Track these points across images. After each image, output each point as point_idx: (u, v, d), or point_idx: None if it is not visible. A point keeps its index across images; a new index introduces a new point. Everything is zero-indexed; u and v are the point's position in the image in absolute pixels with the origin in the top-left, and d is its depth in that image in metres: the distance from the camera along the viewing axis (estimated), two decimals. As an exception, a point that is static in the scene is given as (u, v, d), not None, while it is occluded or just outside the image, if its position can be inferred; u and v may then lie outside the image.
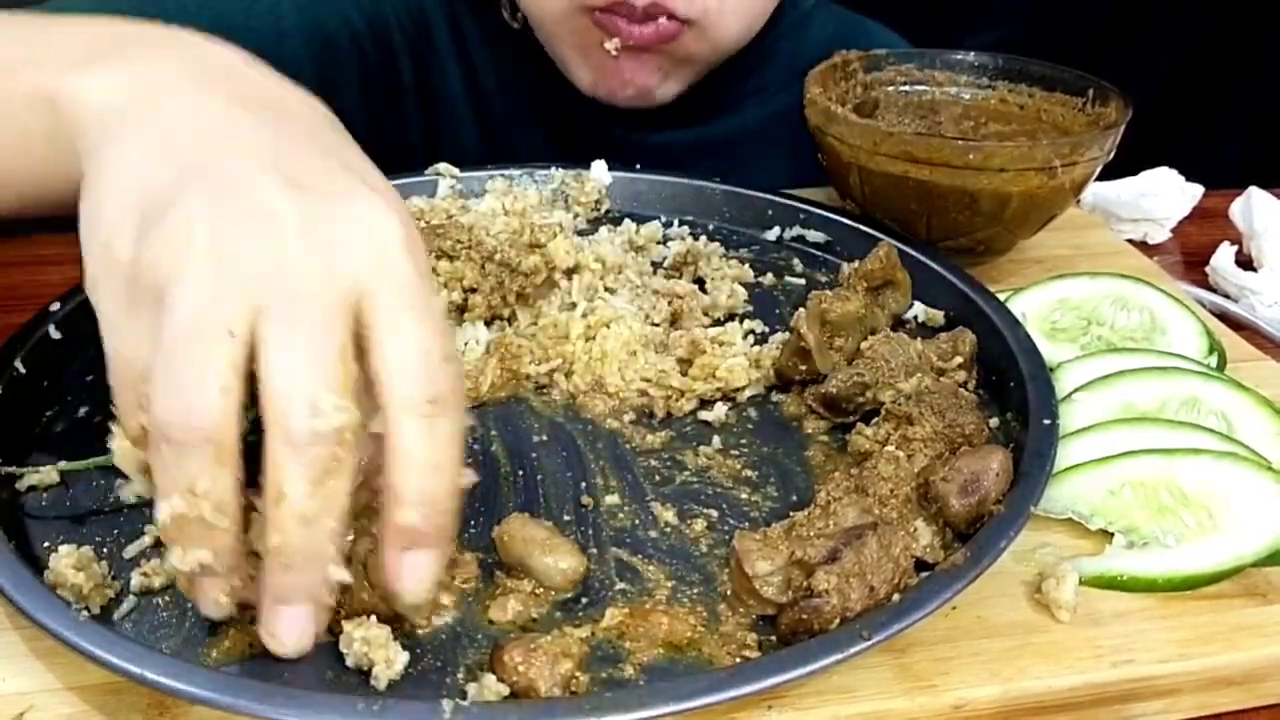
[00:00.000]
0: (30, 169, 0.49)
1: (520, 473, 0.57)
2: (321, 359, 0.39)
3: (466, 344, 0.64)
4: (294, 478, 0.39)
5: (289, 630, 0.42)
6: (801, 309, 0.63)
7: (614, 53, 0.80)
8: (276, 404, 0.38)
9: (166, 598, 0.48)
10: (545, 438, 0.60)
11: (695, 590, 0.49)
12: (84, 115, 0.45)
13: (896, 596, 0.46)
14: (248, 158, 0.42)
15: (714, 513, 0.54)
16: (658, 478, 0.57)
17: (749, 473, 0.57)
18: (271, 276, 0.39)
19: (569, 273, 0.68)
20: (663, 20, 0.78)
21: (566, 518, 0.54)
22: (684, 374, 0.63)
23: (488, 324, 0.65)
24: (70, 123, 0.46)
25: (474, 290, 0.66)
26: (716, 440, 0.60)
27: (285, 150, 0.43)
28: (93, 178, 0.43)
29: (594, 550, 0.51)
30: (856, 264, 0.69)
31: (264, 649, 0.45)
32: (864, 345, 0.62)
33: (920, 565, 0.49)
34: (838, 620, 0.44)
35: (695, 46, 0.82)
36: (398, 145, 0.93)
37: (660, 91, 0.85)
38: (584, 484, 0.56)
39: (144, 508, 0.53)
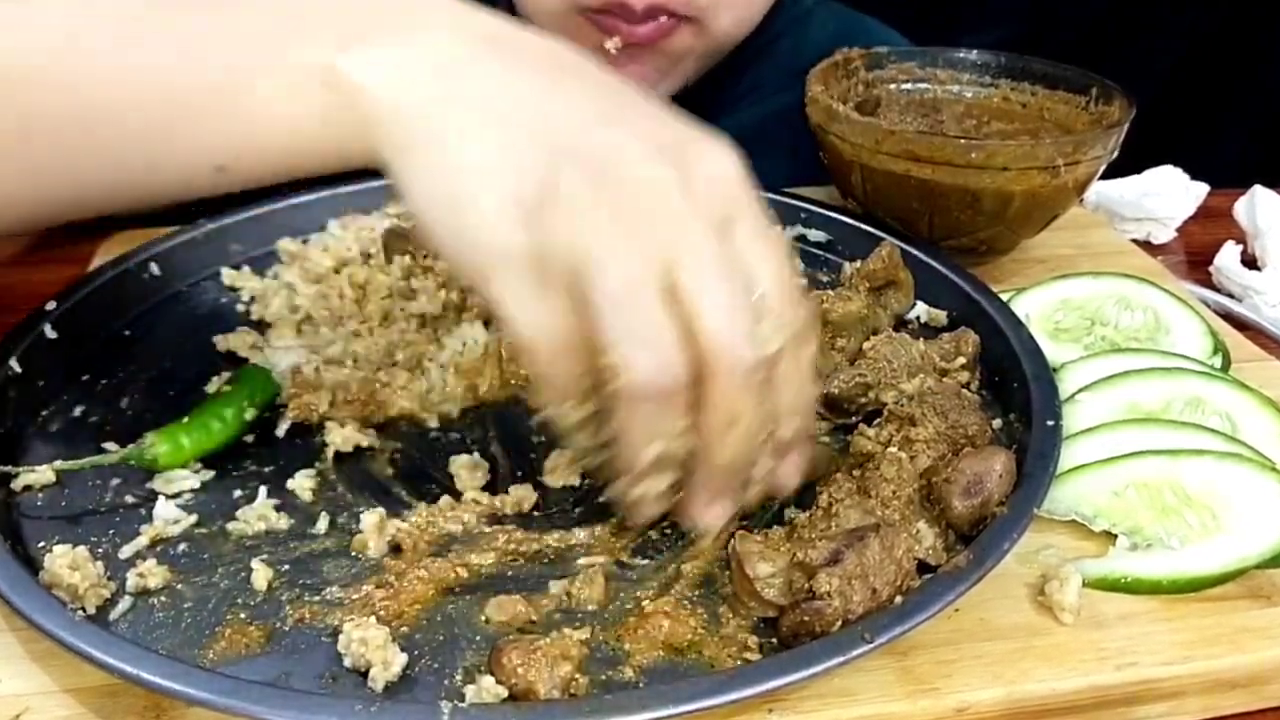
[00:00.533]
0: (294, 147, 0.47)
1: (519, 473, 0.57)
2: (740, 294, 0.43)
3: (465, 344, 0.63)
4: (747, 404, 0.43)
5: (717, 517, 0.48)
6: (805, 307, 0.62)
7: (614, 52, 0.79)
8: (718, 341, 0.42)
9: (163, 598, 0.48)
10: (545, 438, 0.59)
11: (695, 592, 0.49)
12: (376, 96, 0.44)
13: (899, 599, 0.46)
14: (593, 127, 0.44)
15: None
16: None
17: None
18: (673, 233, 0.42)
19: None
20: (662, 19, 0.78)
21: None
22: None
23: (486, 324, 0.64)
24: (357, 103, 0.44)
25: (473, 289, 0.65)
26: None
27: (609, 111, 0.45)
28: (433, 167, 0.43)
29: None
30: (858, 263, 0.69)
31: (261, 649, 0.45)
32: (866, 346, 0.62)
33: (923, 567, 0.49)
34: (840, 622, 0.44)
35: (692, 42, 0.81)
36: None
37: (659, 90, 0.85)
38: (584, 483, 0.56)
39: (140, 507, 0.53)
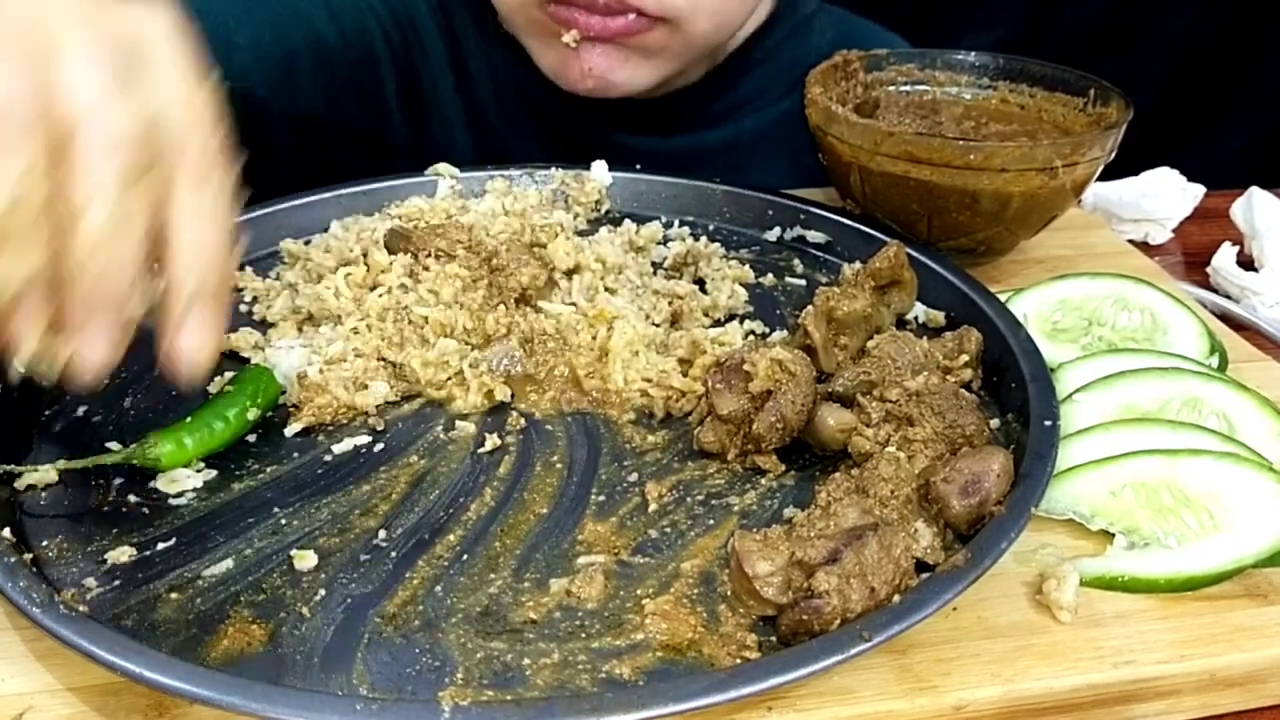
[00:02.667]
0: None
1: (519, 474, 0.57)
2: (111, 61, 0.40)
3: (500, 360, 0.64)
4: (109, 180, 0.40)
5: (93, 348, 0.42)
6: (809, 306, 0.62)
7: (572, 45, 0.79)
8: (78, 95, 0.39)
9: (165, 597, 0.48)
10: (544, 438, 0.60)
11: (695, 590, 0.49)
12: None
13: (897, 598, 0.46)
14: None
15: (714, 514, 0.54)
16: (658, 478, 0.56)
17: (748, 473, 0.57)
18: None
19: (569, 273, 0.68)
20: (631, 16, 0.77)
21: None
22: (685, 374, 0.63)
23: (484, 324, 0.64)
24: None
25: (471, 289, 0.66)
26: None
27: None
28: None
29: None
30: (858, 264, 0.69)
31: (263, 647, 0.45)
32: (870, 344, 0.62)
33: (921, 566, 0.49)
34: (838, 621, 0.44)
35: (667, 41, 0.81)
36: (393, 147, 0.93)
37: (625, 82, 0.83)
38: (584, 483, 0.56)
39: (143, 506, 0.53)
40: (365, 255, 0.69)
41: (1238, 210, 0.88)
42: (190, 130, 0.42)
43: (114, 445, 0.57)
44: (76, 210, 0.39)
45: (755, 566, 0.47)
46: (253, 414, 0.58)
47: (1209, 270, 0.84)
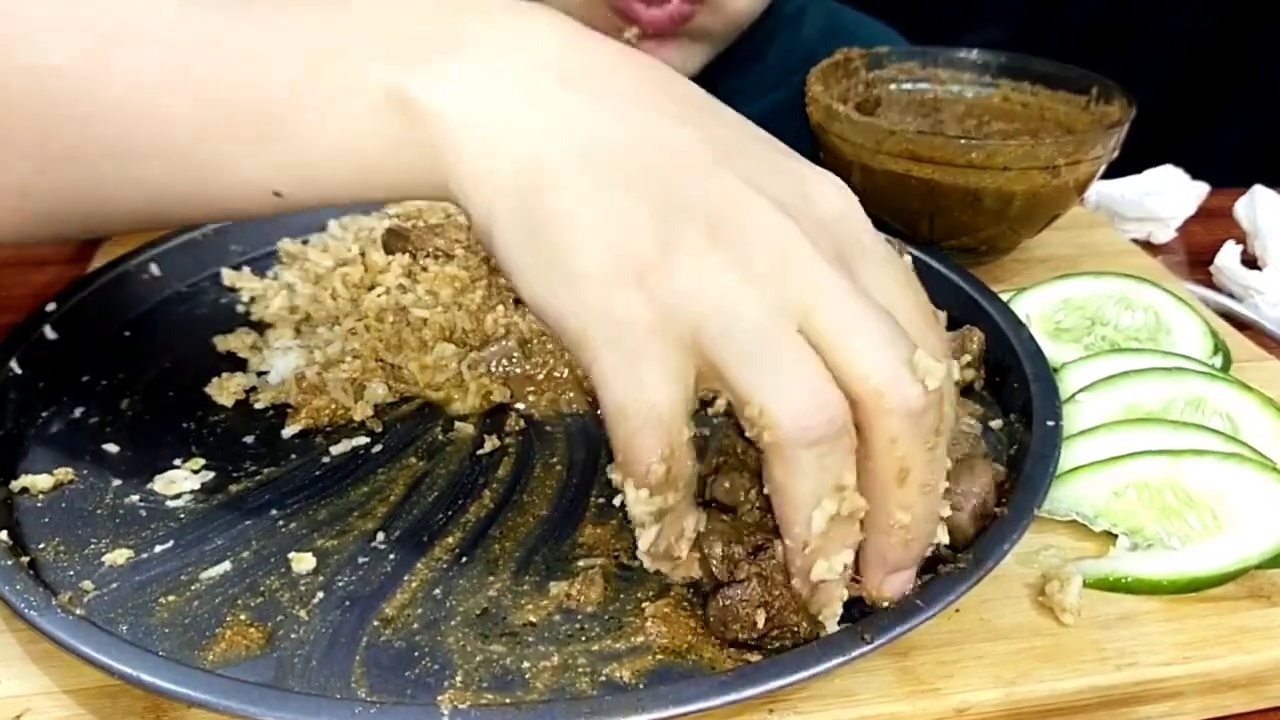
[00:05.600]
0: (359, 174, 0.42)
1: (518, 476, 0.57)
2: (887, 328, 0.39)
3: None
4: (917, 449, 0.39)
5: (901, 587, 0.44)
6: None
7: (634, 42, 0.80)
8: (877, 378, 0.38)
9: (163, 599, 0.48)
10: (544, 440, 0.59)
11: (696, 594, 0.49)
12: (451, 122, 0.39)
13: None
14: (703, 171, 0.40)
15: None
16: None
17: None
18: (804, 277, 0.38)
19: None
20: (676, 1, 0.78)
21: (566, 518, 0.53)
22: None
23: (483, 324, 0.64)
24: (430, 129, 0.40)
25: (470, 289, 0.65)
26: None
27: (717, 150, 0.40)
28: (522, 213, 0.39)
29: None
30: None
31: (261, 650, 0.45)
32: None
33: (924, 568, 0.49)
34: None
35: (709, 22, 0.81)
36: None
37: (681, 67, 0.84)
38: (584, 485, 0.56)
39: (140, 510, 0.53)
40: (363, 255, 0.69)
41: (1241, 209, 0.87)
42: (939, 340, 0.42)
43: (111, 447, 0.57)
44: (884, 487, 0.40)
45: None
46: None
47: (1212, 269, 0.84)
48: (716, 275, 0.38)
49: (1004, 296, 0.68)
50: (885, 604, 0.44)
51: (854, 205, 0.42)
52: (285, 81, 0.42)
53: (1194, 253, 0.89)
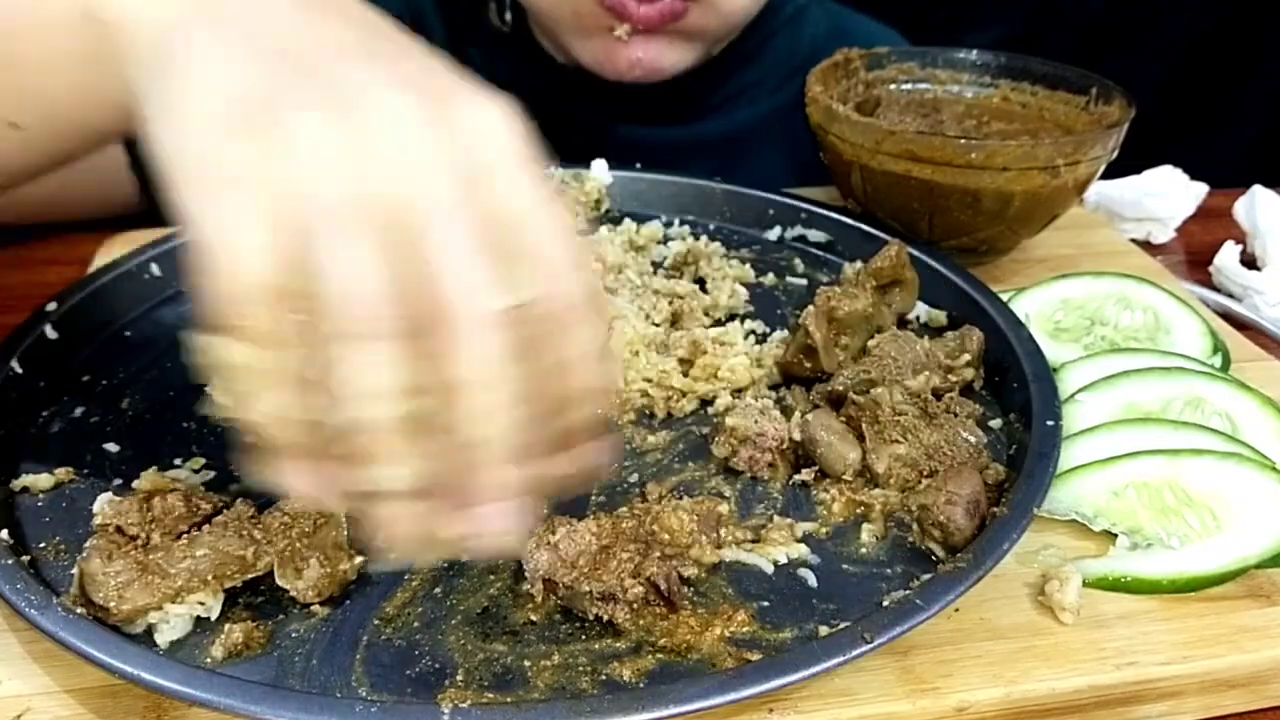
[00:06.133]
0: (66, 95, 0.46)
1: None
2: (478, 239, 0.36)
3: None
4: (489, 363, 0.36)
5: (498, 525, 0.39)
6: (810, 305, 0.62)
7: (624, 38, 0.79)
8: (450, 284, 0.36)
9: (164, 599, 0.48)
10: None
11: (695, 592, 0.49)
12: (137, 30, 0.42)
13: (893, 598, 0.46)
14: (345, 58, 0.39)
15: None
16: (659, 478, 0.56)
17: (749, 475, 0.57)
18: (409, 166, 0.36)
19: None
20: None
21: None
22: (685, 374, 0.62)
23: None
24: (119, 38, 0.42)
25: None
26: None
27: (373, 50, 0.40)
28: (170, 93, 0.39)
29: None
30: (859, 264, 0.69)
31: (262, 649, 0.45)
32: (871, 343, 0.62)
33: (924, 566, 0.49)
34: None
35: (703, 21, 0.81)
36: None
37: (672, 66, 0.85)
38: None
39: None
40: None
41: (1240, 209, 0.88)
42: (557, 271, 0.38)
43: (112, 447, 0.57)
44: (455, 397, 0.36)
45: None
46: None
47: (1211, 269, 0.84)
48: (311, 137, 0.36)
49: (1003, 296, 0.68)
50: (483, 543, 0.38)
51: (506, 128, 0.39)
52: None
53: (1193, 253, 0.89)
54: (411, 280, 0.35)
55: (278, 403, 0.36)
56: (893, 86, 0.84)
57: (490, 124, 0.39)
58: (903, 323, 0.69)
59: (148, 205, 0.86)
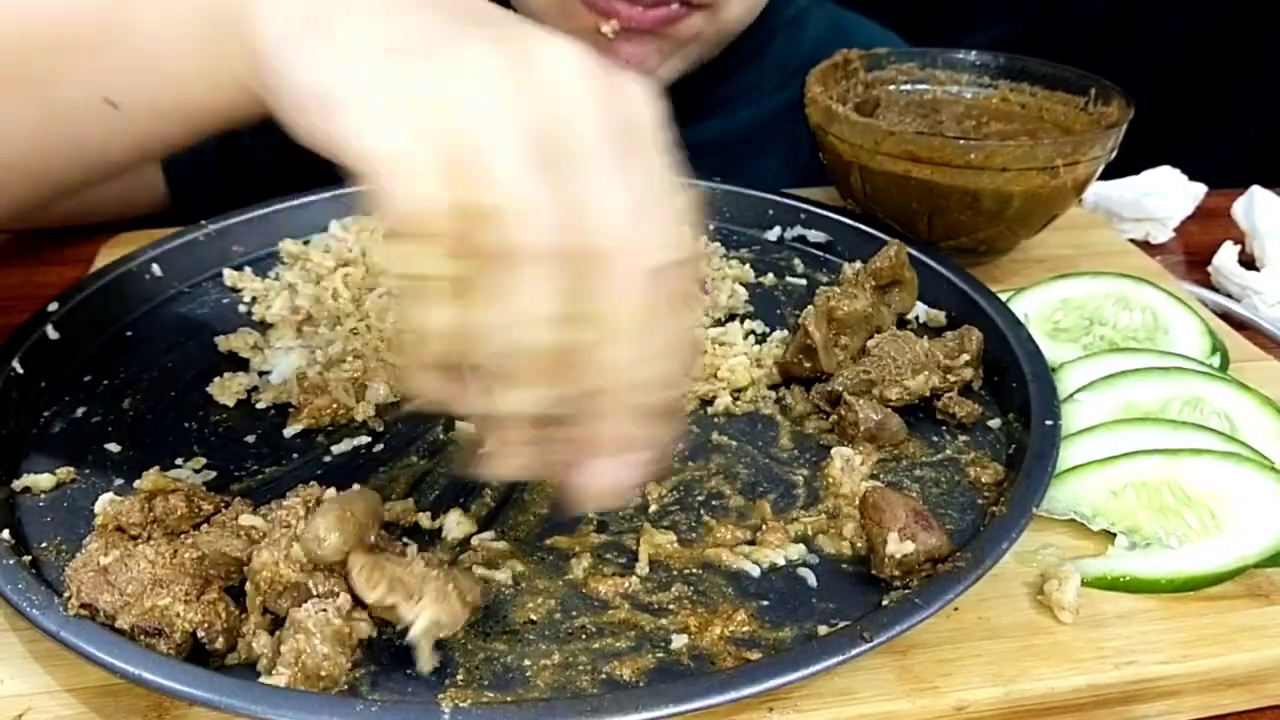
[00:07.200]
0: (179, 62, 0.45)
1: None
2: (645, 197, 0.37)
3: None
4: (641, 313, 0.37)
5: (613, 482, 0.40)
6: (810, 306, 0.62)
7: (610, 36, 0.79)
8: (620, 229, 0.36)
9: (165, 599, 0.48)
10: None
11: (696, 591, 0.49)
12: (259, 15, 0.42)
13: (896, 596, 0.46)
14: (498, 14, 0.41)
15: (713, 514, 0.54)
16: (659, 478, 0.56)
17: (747, 473, 0.57)
18: (576, 117, 0.37)
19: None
20: (674, 5, 0.77)
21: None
22: (684, 374, 0.62)
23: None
24: (241, 24, 0.42)
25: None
26: (716, 439, 0.59)
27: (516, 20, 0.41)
28: (332, 29, 0.40)
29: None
30: (859, 264, 0.69)
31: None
32: (870, 343, 0.62)
33: (925, 565, 0.49)
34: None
35: (701, 27, 0.81)
36: None
37: (661, 72, 0.84)
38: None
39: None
40: (364, 255, 0.69)
41: (1239, 209, 0.88)
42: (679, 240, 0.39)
43: (113, 447, 0.57)
44: (605, 337, 0.37)
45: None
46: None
47: (1210, 269, 0.84)
48: (491, 72, 0.37)
49: (1003, 296, 0.68)
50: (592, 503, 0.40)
51: (651, 105, 0.40)
52: None
53: (1192, 253, 0.89)
54: (573, 215, 0.36)
55: (446, 314, 0.36)
56: (892, 87, 0.84)
57: (641, 97, 0.40)
58: (902, 323, 0.69)
59: (172, 205, 0.86)
